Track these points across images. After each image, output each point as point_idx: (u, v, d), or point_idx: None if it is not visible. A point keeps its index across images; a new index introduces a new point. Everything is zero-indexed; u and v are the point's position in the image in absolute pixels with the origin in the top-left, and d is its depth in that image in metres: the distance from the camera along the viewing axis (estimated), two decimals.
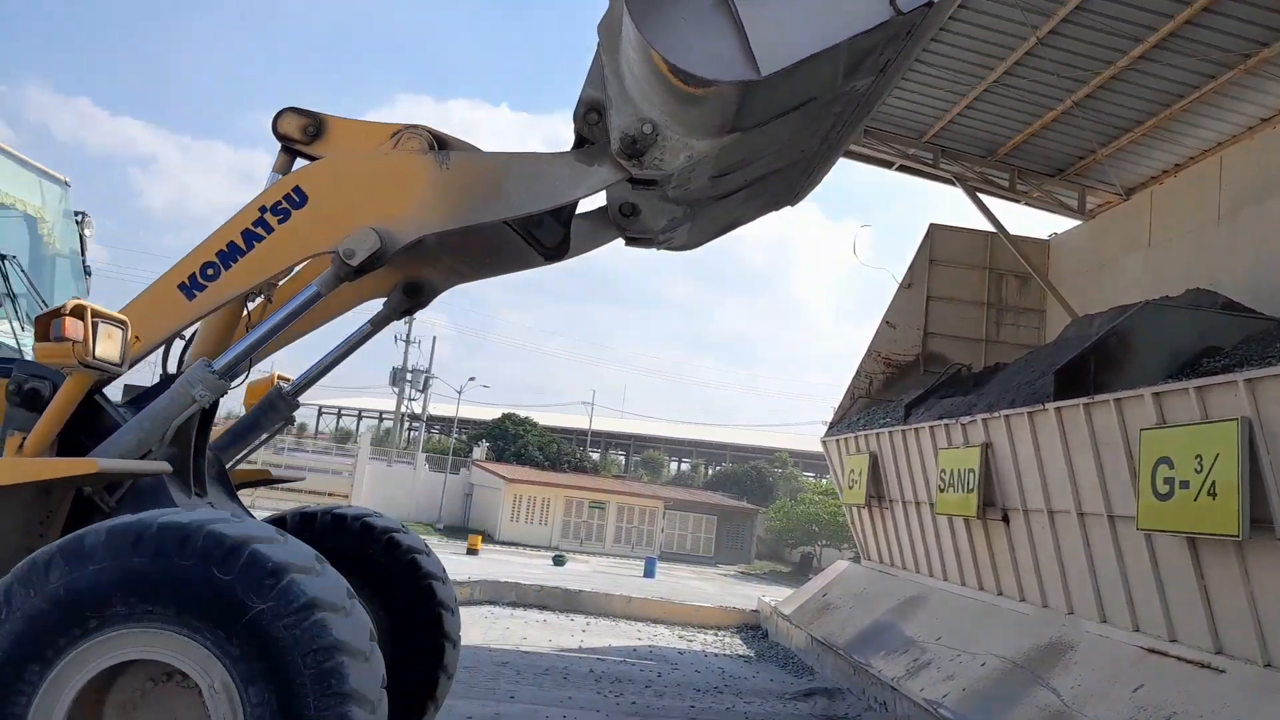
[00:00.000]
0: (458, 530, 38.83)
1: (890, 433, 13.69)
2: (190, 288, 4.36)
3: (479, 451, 47.56)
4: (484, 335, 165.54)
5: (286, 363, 5.87)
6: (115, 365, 4.22)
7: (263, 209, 4.34)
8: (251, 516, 5.11)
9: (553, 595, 17.66)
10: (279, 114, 4.59)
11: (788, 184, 5.02)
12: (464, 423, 58.08)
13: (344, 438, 61.56)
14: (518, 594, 17.40)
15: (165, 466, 4.34)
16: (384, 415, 68.75)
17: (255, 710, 3.37)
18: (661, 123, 3.85)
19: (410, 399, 57.08)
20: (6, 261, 5.13)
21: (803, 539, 40.43)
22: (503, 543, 37.17)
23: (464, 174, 4.32)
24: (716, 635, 16.45)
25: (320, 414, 73.14)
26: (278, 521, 5.70)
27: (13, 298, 5.05)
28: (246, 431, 5.57)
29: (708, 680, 11.80)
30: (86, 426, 4.42)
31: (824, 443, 17.34)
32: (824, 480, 49.25)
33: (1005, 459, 10.26)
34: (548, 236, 4.82)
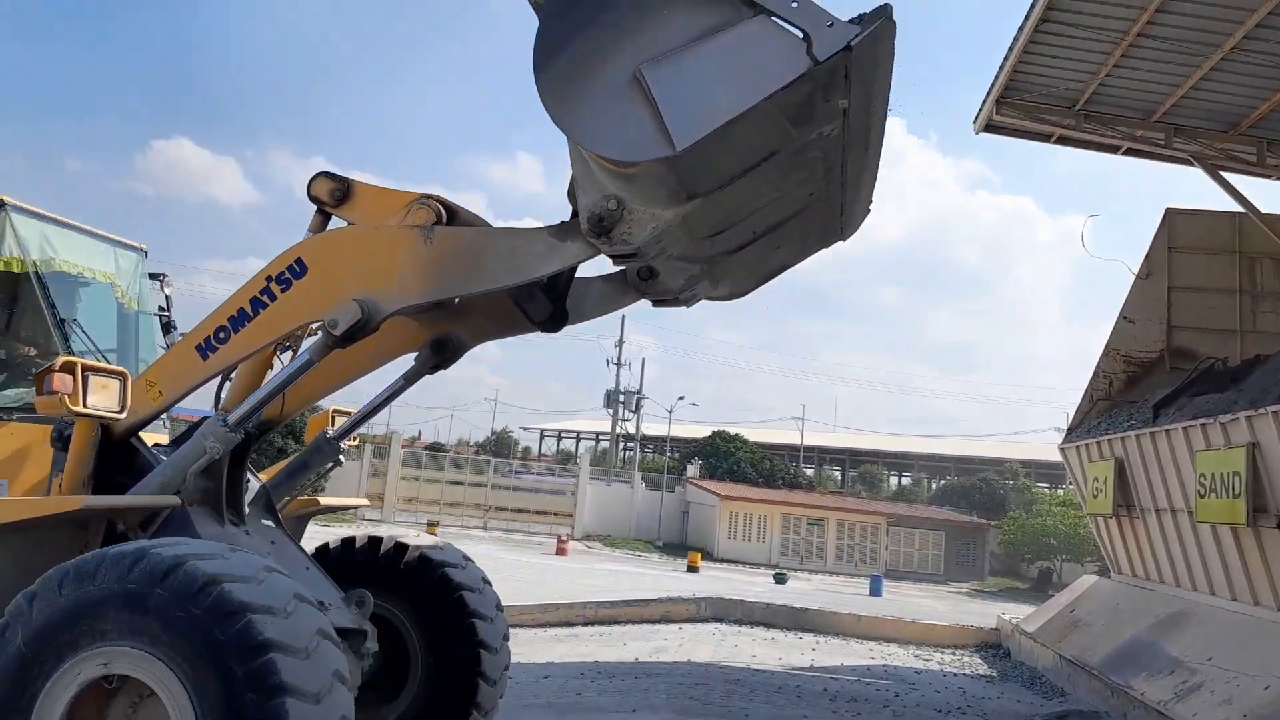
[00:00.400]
0: (677, 548, 39.24)
1: (1138, 436, 12.71)
2: (205, 349, 4.69)
3: (692, 469, 47.97)
4: (691, 354, 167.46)
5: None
6: (114, 413, 4.66)
7: (269, 278, 4.57)
8: (293, 542, 5.53)
9: (779, 613, 17.49)
10: (312, 178, 4.73)
11: (826, 221, 4.77)
12: (675, 441, 58.84)
13: (565, 459, 63.73)
14: (743, 611, 17.36)
15: (168, 501, 4.69)
16: (600, 436, 70.72)
17: (206, 711, 3.58)
18: (624, 197, 3.77)
19: (624, 419, 58.47)
20: (67, 324, 5.60)
21: (1040, 554, 38.23)
22: (721, 560, 37.24)
23: (445, 249, 4.38)
24: (954, 654, 15.77)
25: (542, 437, 76.17)
26: (323, 548, 6.10)
27: (70, 349, 5.51)
28: (298, 471, 5.95)
29: (949, 700, 11.32)
30: (124, 468, 4.87)
31: (1062, 450, 16.33)
32: (1060, 491, 46.42)
33: (1277, 460, 9.30)
34: (536, 311, 4.85)
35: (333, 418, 6.07)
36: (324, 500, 6.48)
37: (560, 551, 32.32)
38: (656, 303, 4.91)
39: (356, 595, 5.31)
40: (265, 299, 4.61)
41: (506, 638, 6.00)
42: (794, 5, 3.31)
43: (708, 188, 3.72)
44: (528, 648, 11.91)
